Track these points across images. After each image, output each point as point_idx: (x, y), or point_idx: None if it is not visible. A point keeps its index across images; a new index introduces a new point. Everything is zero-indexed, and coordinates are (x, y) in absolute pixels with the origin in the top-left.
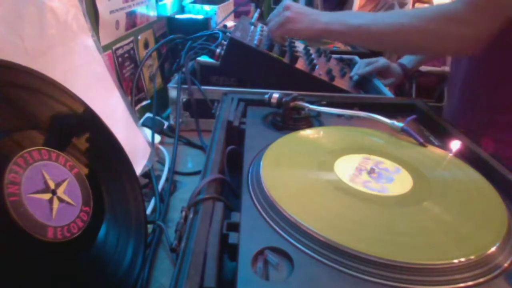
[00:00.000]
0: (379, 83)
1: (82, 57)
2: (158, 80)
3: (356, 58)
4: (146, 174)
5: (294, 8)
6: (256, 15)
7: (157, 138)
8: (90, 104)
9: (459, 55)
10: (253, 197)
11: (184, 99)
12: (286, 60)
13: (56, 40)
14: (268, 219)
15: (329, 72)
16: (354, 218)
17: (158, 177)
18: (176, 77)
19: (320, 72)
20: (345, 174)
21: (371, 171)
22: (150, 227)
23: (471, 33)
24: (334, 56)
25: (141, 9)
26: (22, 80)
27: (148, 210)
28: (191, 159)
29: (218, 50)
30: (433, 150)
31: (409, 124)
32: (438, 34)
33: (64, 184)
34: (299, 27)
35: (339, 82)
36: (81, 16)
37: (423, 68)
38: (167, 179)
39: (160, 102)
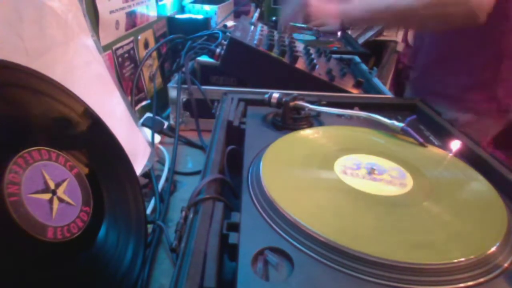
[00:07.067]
0: (378, 83)
1: (82, 57)
2: (158, 80)
3: (356, 58)
4: (146, 174)
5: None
6: (256, 15)
7: (157, 138)
8: (90, 104)
9: (466, 25)
10: (253, 197)
11: (184, 99)
12: (286, 60)
13: (56, 40)
14: (268, 219)
15: (329, 72)
16: (354, 218)
17: (158, 177)
18: (176, 77)
19: (320, 72)
20: (345, 174)
21: (371, 171)
22: (150, 227)
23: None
24: (334, 56)
25: (141, 9)
26: (22, 80)
27: (148, 210)
28: (191, 159)
29: (218, 50)
30: (433, 150)
31: (409, 124)
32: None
33: (64, 184)
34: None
35: (339, 82)
36: (81, 16)
37: None
38: (167, 179)
39: (160, 102)
